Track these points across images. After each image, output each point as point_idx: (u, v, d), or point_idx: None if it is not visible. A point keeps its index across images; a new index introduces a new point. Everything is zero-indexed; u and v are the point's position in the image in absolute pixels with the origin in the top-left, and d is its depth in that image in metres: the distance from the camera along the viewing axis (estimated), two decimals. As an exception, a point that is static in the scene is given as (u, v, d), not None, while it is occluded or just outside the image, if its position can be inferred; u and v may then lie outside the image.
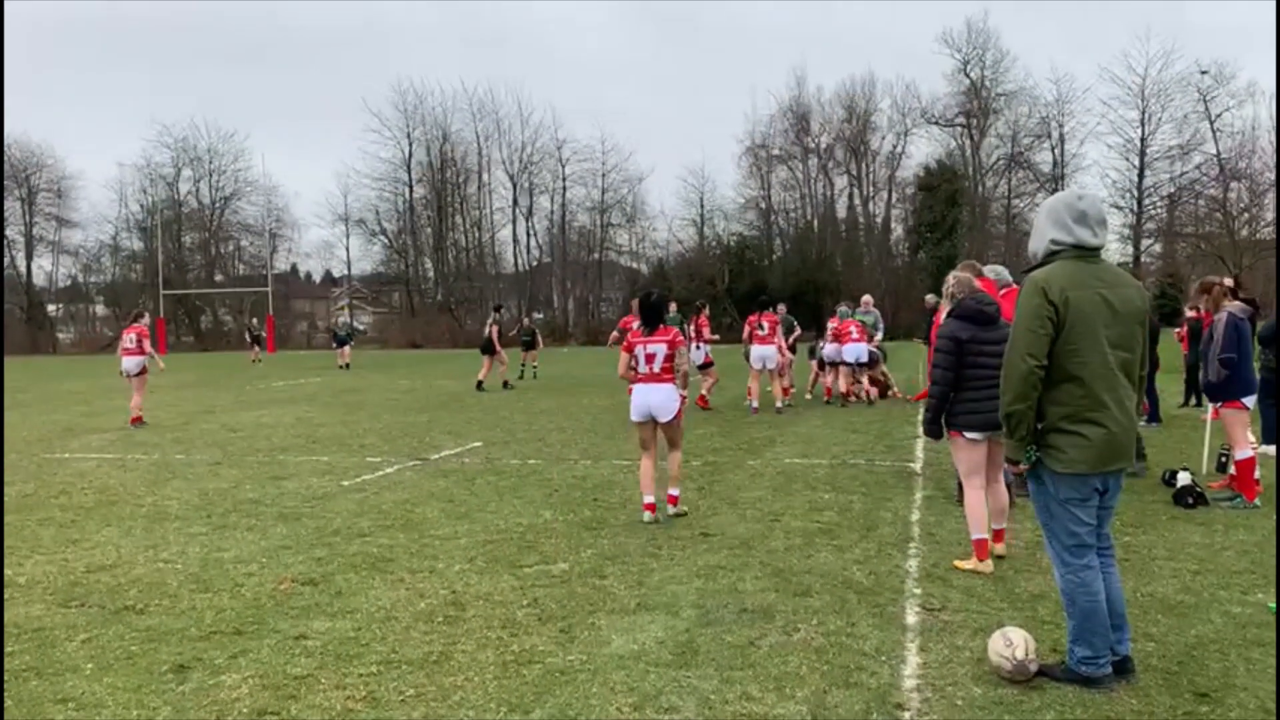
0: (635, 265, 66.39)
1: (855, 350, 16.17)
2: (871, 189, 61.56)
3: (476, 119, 64.29)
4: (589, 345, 52.05)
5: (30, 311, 66.63)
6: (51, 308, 69.62)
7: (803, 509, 7.80)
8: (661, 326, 7.71)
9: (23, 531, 7.53)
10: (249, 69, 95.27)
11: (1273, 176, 48.48)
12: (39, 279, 69.03)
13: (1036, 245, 4.15)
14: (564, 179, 64.10)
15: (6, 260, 68.28)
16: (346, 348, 33.90)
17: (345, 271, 69.62)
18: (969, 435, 5.97)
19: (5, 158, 61.37)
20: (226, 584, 5.91)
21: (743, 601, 5.33)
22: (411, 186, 64.71)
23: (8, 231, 67.61)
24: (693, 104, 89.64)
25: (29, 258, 68.07)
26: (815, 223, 61.90)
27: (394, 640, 4.83)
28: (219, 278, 66.47)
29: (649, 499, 7.58)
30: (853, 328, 16.22)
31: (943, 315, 6.33)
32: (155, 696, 4.16)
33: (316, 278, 75.72)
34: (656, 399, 7.59)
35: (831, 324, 16.68)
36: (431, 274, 66.43)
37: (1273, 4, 42.25)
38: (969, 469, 6.10)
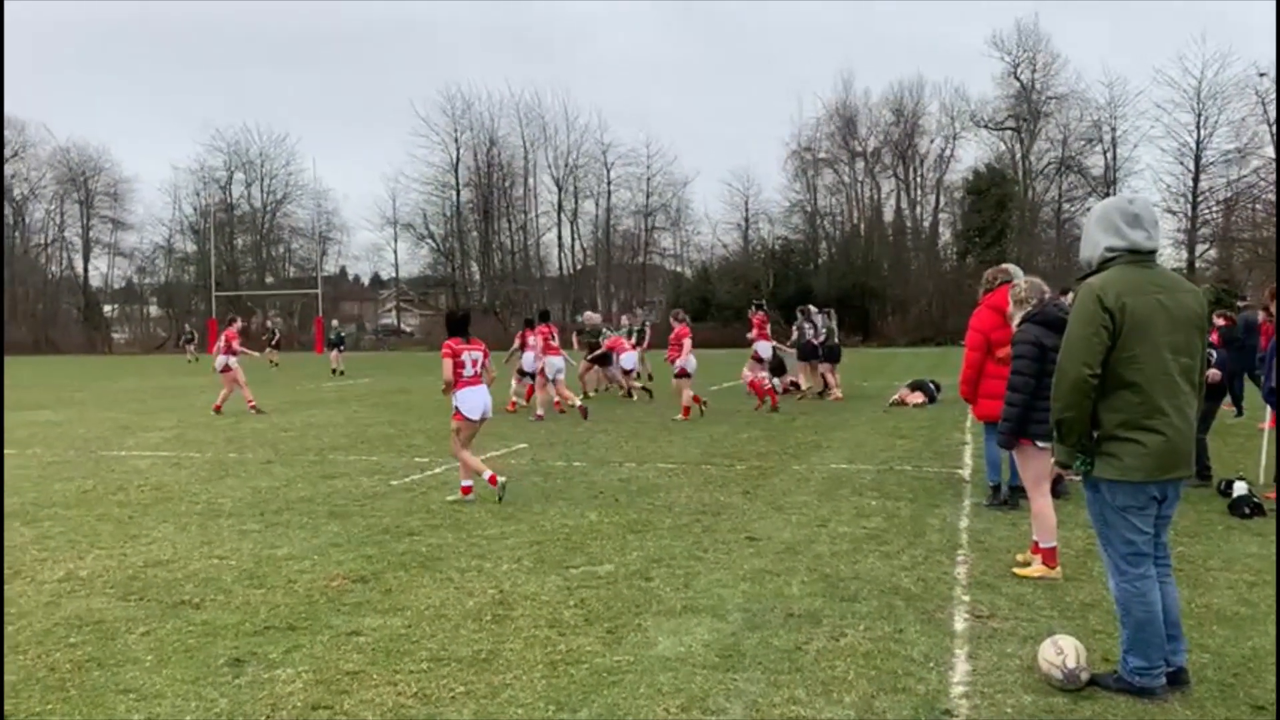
0: (679, 269, 66.54)
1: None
2: (919, 193, 61.14)
3: (523, 123, 64.83)
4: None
5: (87, 312, 68.23)
6: (107, 308, 71.21)
7: (849, 514, 7.76)
8: (473, 338, 8.76)
9: (83, 527, 7.72)
10: (301, 74, 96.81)
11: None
12: (95, 280, 70.72)
13: (1090, 252, 4.10)
14: (609, 183, 64.45)
15: (64, 261, 69.95)
16: (335, 351, 32.26)
17: (393, 274, 70.52)
18: (1040, 444, 5.93)
19: (60, 161, 62.78)
20: (280, 580, 6.02)
21: (789, 606, 5.33)
22: (459, 190, 65.41)
23: (66, 233, 69.31)
24: (738, 107, 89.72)
25: (86, 259, 69.81)
26: (862, 227, 61.56)
27: (443, 638, 4.89)
28: (270, 280, 67.60)
29: (470, 483, 8.61)
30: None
31: (1015, 322, 6.27)
32: (212, 689, 4.25)
33: (365, 280, 76.73)
34: (487, 399, 8.72)
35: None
36: (477, 277, 67.02)
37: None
38: (1036, 478, 6.05)
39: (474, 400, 8.60)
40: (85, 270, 69.97)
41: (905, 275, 57.81)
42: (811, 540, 6.89)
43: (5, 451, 12.51)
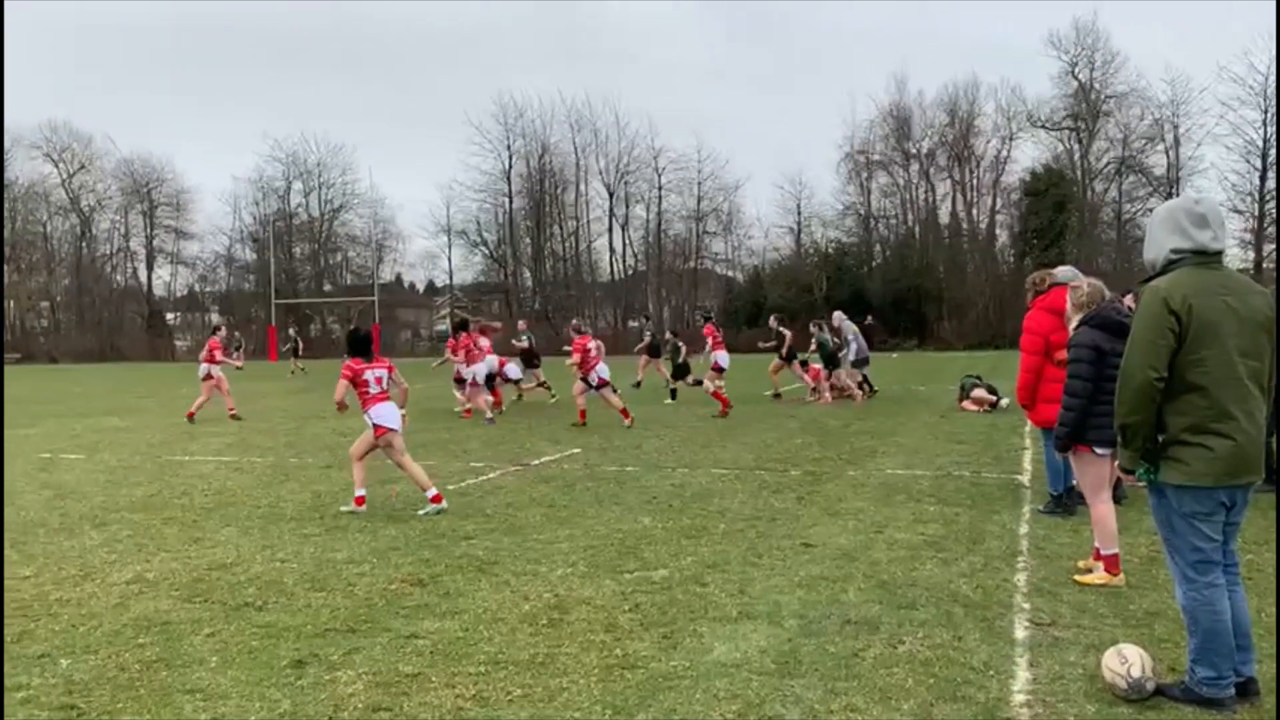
0: (731, 273, 66.31)
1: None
2: (975, 194, 60.26)
3: (574, 130, 65.07)
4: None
5: (150, 320, 69.81)
6: (170, 316, 72.76)
7: (906, 520, 7.68)
8: (378, 356, 8.89)
9: (149, 530, 7.91)
10: (357, 84, 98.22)
11: None
12: (159, 289, 72.34)
13: (1154, 254, 4.02)
14: (660, 188, 64.42)
15: (129, 271, 71.72)
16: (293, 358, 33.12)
17: (447, 281, 71.23)
18: (1099, 451, 5.83)
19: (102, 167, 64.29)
20: (340, 583, 6.11)
21: (846, 612, 5.29)
22: (511, 198, 65.84)
23: (131, 243, 71.04)
24: (790, 110, 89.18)
25: (149, 268, 71.40)
26: (916, 229, 60.85)
27: (500, 641, 4.93)
28: (328, 287, 68.60)
29: (363, 493, 8.62)
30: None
31: (1073, 326, 6.16)
32: (275, 690, 4.33)
33: (420, 287, 77.62)
34: (397, 413, 8.74)
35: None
36: (530, 283, 67.43)
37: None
38: (1095, 484, 5.95)
39: (390, 414, 8.67)
40: (149, 279, 71.62)
41: (961, 278, 56.98)
42: (868, 546, 6.83)
43: (74, 456, 12.87)
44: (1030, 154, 58.58)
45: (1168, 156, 55.71)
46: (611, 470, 10.65)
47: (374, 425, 8.58)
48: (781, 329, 19.75)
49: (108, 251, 71.73)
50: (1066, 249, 51.14)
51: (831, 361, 18.70)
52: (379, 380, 8.68)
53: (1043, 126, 58.02)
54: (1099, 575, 5.80)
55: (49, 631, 5.24)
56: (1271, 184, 52.25)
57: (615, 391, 15.54)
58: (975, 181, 59.98)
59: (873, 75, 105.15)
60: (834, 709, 3.99)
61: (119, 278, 72.30)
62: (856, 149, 60.11)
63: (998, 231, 60.27)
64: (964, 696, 4.10)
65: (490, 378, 17.31)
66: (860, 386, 18.89)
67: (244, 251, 69.88)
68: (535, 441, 13.46)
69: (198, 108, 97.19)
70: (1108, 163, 57.13)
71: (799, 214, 62.27)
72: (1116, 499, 7.14)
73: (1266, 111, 52.39)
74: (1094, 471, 5.97)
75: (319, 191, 68.84)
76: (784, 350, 19.56)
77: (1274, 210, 52.36)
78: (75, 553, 7.12)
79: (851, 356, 18.80)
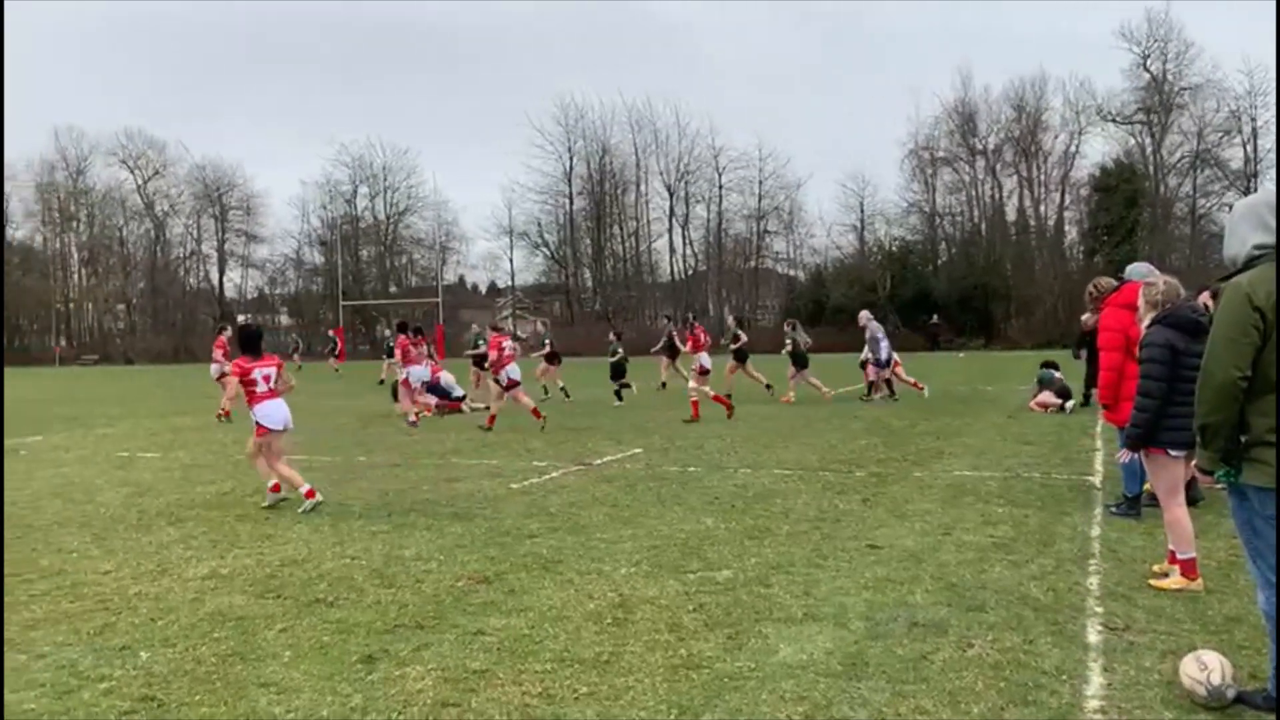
0: (792, 272, 66.02)
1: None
2: (1043, 190, 59.22)
3: (635, 131, 65.37)
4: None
5: (221, 321, 71.57)
6: (241, 318, 74.49)
7: (974, 522, 7.57)
8: (266, 353, 9.19)
9: (223, 527, 8.10)
10: (422, 89, 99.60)
11: None
12: (229, 291, 74.11)
13: (1235, 250, 3.91)
14: (720, 187, 64.41)
15: (201, 273, 73.51)
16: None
17: (509, 282, 71.92)
18: (1173, 453, 5.69)
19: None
20: (408, 580, 6.20)
21: (913, 615, 5.23)
22: (572, 199, 66.32)
23: (203, 247, 72.86)
24: (853, 108, 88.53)
25: (221, 271, 73.28)
26: (983, 226, 59.97)
27: (566, 639, 4.96)
28: (393, 289, 69.68)
29: (275, 482, 8.94)
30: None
31: (1145, 324, 6.01)
32: (347, 684, 4.41)
33: (482, 289, 78.49)
34: (286, 410, 9.06)
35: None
36: (590, 283, 67.77)
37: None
38: (1170, 486, 5.81)
39: (275, 413, 8.96)
40: (220, 282, 73.50)
41: (1029, 275, 55.99)
42: (935, 548, 6.74)
43: (150, 455, 13.23)
44: (1100, 149, 57.47)
45: (1245, 149, 54.24)
46: (673, 470, 10.65)
47: (256, 424, 8.94)
48: (739, 331, 20.35)
49: (181, 255, 73.78)
50: (1138, 245, 49.99)
51: (800, 362, 19.13)
52: (267, 378, 8.97)
53: (1113, 120, 56.84)
54: (1175, 580, 5.65)
55: (129, 625, 5.40)
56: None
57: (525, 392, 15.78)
58: (1043, 177, 58.95)
59: (937, 71, 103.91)
60: (902, 712, 3.95)
61: (191, 280, 74.34)
62: (920, 145, 59.53)
63: (1066, 228, 59.18)
64: (1035, 701, 4.03)
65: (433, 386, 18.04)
66: (908, 386, 18.82)
67: (312, 254, 71.40)
68: (597, 441, 13.52)
69: (267, 115, 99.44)
70: (1181, 157, 55.74)
71: (862, 212, 61.82)
72: (1192, 501, 6.96)
73: (1350, 101, 50.58)
74: (1168, 474, 5.82)
75: (384, 195, 70.08)
76: (738, 351, 20.13)
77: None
78: (153, 548, 7.32)
79: (883, 357, 18.83)
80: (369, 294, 67.28)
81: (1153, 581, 5.72)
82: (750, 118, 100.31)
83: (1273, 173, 52.53)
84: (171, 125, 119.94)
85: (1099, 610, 5.25)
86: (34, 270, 71.25)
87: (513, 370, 15.17)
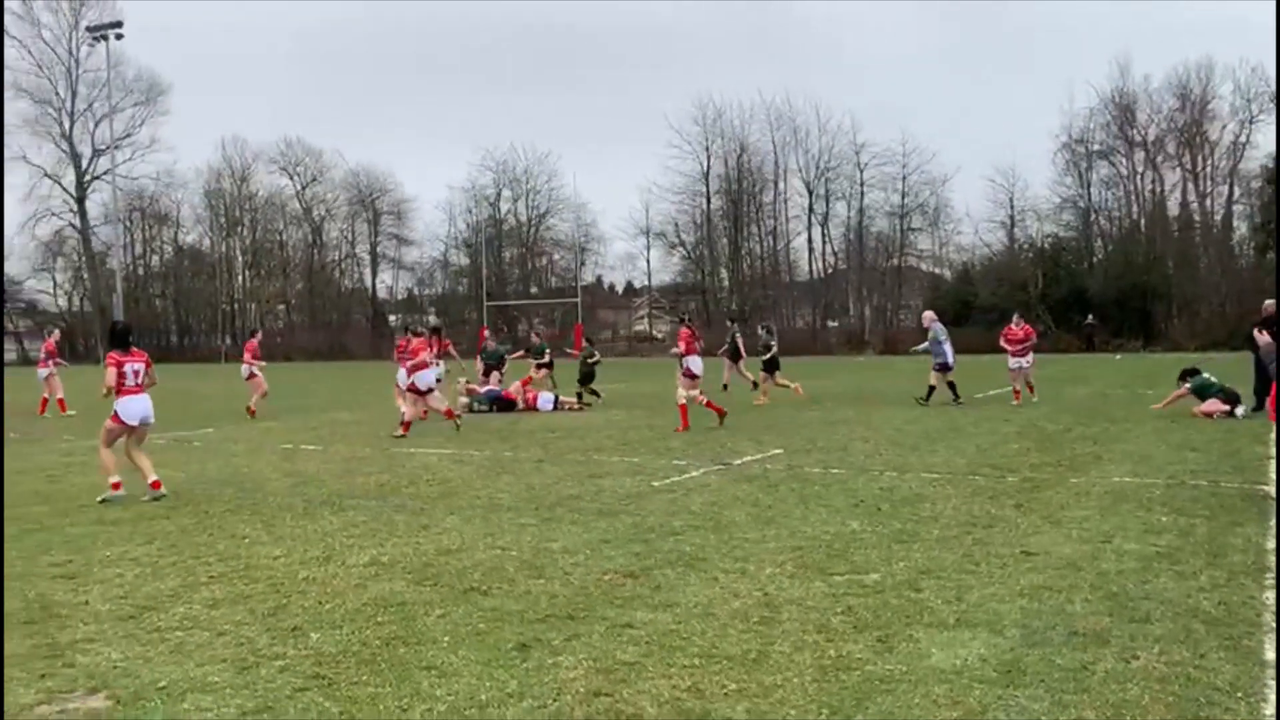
0: (937, 270, 64.21)
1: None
2: (1209, 184, 55.80)
3: (773, 128, 64.71)
4: (885, 355, 50.71)
5: (374, 320, 74.54)
6: (391, 317, 77.42)
7: (1136, 530, 7.24)
8: (135, 349, 9.65)
9: (382, 516, 8.47)
10: (562, 93, 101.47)
11: None
12: (381, 292, 77.09)
13: None
14: (861, 184, 63.15)
15: (355, 275, 76.73)
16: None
17: (645, 282, 72.45)
18: None
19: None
20: (557, 572, 6.36)
21: (1072, 623, 5.05)
22: (709, 198, 66.19)
23: (357, 249, 76.04)
24: (1001, 101, 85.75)
25: (374, 273, 76.27)
26: (1142, 222, 56.98)
27: (713, 635, 5.00)
28: (534, 289, 71.16)
29: (118, 479, 9.40)
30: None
31: None
32: (503, 671, 4.56)
33: (619, 289, 79.32)
34: (147, 406, 9.60)
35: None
36: (726, 283, 67.56)
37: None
38: None
39: (133, 407, 9.46)
40: (373, 283, 76.47)
41: (1193, 274, 52.89)
42: (1094, 556, 6.48)
43: (312, 448, 13.92)
44: (1273, 138, 53.69)
45: None
46: (815, 472, 10.55)
47: (115, 412, 9.45)
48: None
49: (336, 258, 77.10)
50: (1317, 241, 46.56)
51: (771, 365, 19.88)
52: (135, 374, 9.54)
53: (1289, 107, 53.02)
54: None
55: (299, 607, 5.71)
56: None
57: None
58: (1209, 169, 55.54)
59: (1091, 61, 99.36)
60: (1063, 723, 3.83)
61: (346, 282, 77.55)
62: (1075, 138, 56.89)
63: (1235, 223, 55.61)
64: (1207, 718, 3.84)
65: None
66: (951, 387, 18.40)
67: (458, 256, 73.47)
68: (737, 441, 13.51)
69: (417, 122, 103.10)
70: (1367, 144, 51.59)
71: (1011, 208, 59.60)
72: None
73: None
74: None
75: (526, 198, 71.53)
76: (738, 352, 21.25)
77: None
78: (317, 535, 7.72)
79: (949, 360, 18.33)
80: (511, 294, 68.87)
81: (1338, 598, 5.36)
82: (893, 113, 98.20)
83: None
84: (328, 133, 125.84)
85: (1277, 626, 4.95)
86: (202, 273, 75.76)
87: (427, 376, 15.62)
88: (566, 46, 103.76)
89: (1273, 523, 7.43)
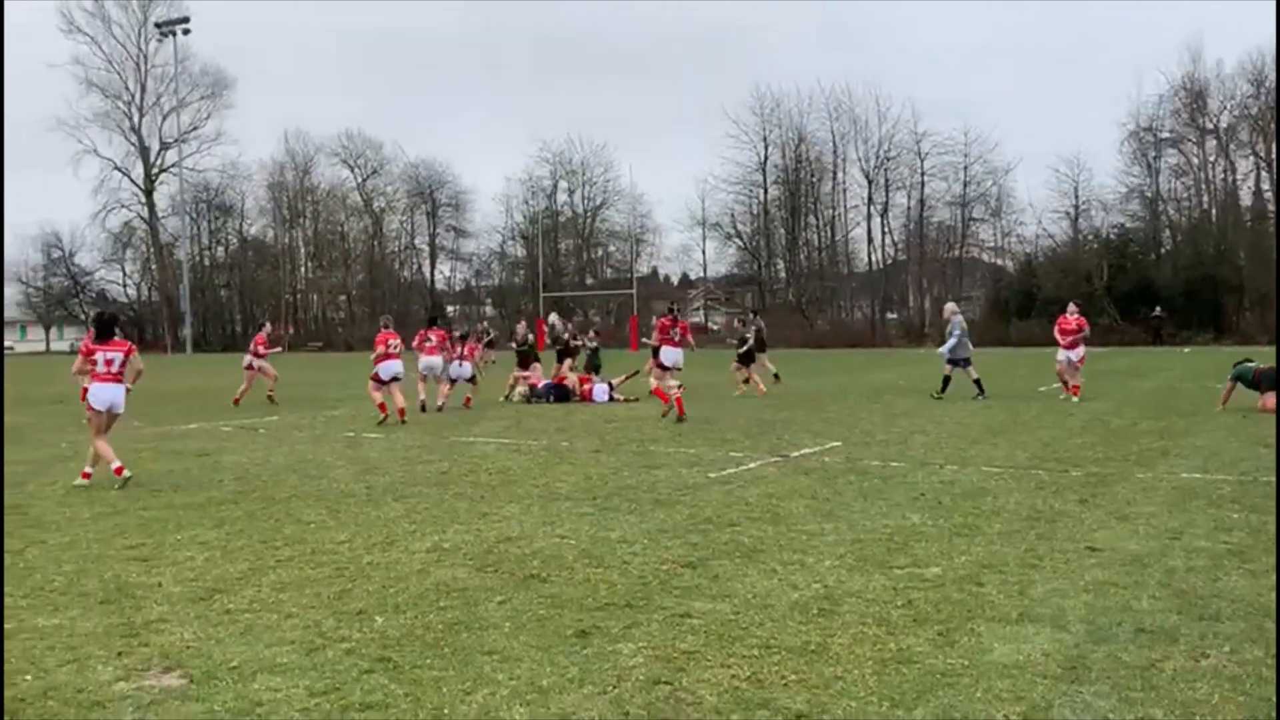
0: (999, 261, 63.10)
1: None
2: (1284, 172, 54.04)
3: (832, 118, 64.03)
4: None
5: (433, 311, 75.37)
6: (450, 308, 78.23)
7: (1206, 527, 7.08)
8: (116, 338, 9.97)
9: (443, 504, 8.59)
10: (619, 85, 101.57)
11: None
12: (439, 283, 77.90)
13: None
14: (922, 174, 62.24)
15: (414, 266, 77.64)
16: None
17: (701, 273, 72.28)
18: None
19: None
20: (615, 561, 6.40)
21: (1139, 621, 4.96)
22: (766, 189, 65.77)
23: (416, 241, 76.91)
24: (1066, 89, 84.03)
25: (432, 264, 77.07)
26: (1213, 212, 55.43)
27: (771, 627, 5.00)
28: (589, 281, 71.37)
29: (90, 470, 9.70)
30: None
31: None
32: (563, 657, 4.61)
33: (674, 280, 79.19)
34: (116, 394, 9.82)
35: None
36: (783, 274, 67.12)
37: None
38: None
39: (102, 394, 9.75)
40: (431, 274, 77.30)
41: (1266, 265, 51.09)
42: (1162, 553, 6.36)
43: (374, 435, 14.15)
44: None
45: None
46: (875, 465, 10.48)
47: (89, 402, 9.79)
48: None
49: (396, 249, 78.03)
50: (1399, 231, 44.98)
51: (746, 358, 20.54)
52: (109, 362, 9.79)
53: (1371, 92, 51.19)
54: None
55: (364, 591, 5.83)
56: None
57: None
58: (1285, 157, 53.76)
59: (1160, 47, 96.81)
60: (1129, 720, 3.78)
61: (405, 273, 78.48)
62: (1143, 126, 55.48)
63: (1312, 213, 53.81)
64: (1282, 720, 3.76)
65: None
66: (976, 384, 18.20)
67: (515, 248, 73.91)
68: (794, 433, 13.45)
69: (475, 115, 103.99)
70: None
71: (1076, 198, 58.32)
72: None
73: None
74: None
75: (583, 190, 71.71)
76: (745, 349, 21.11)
77: None
78: (380, 521, 7.86)
79: (960, 354, 18.23)
80: (567, 285, 69.14)
81: None
82: (954, 103, 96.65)
83: None
84: (388, 126, 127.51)
85: (1355, 628, 4.82)
86: (265, 264, 77.22)
87: (392, 366, 16.12)
88: (621, 38, 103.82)
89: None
